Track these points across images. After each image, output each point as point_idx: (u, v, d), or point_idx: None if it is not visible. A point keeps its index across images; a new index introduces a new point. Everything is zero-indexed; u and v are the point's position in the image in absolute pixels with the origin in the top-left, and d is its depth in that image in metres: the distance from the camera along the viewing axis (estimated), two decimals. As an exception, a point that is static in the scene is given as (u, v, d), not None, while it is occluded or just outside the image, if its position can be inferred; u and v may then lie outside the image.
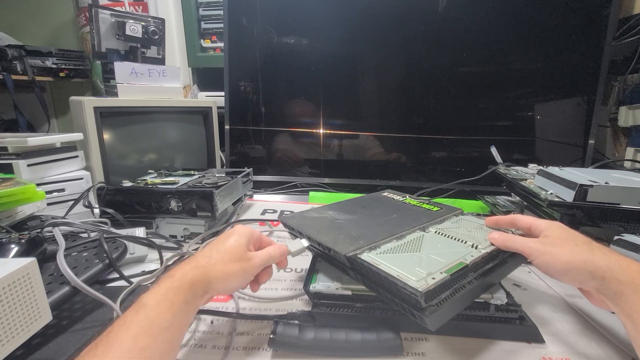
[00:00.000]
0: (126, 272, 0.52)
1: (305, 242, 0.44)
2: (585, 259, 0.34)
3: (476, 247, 0.40)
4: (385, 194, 0.63)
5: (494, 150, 0.84)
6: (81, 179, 0.77)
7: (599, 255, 0.34)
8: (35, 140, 0.70)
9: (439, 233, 0.45)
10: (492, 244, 0.41)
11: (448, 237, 0.44)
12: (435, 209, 0.54)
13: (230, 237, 0.38)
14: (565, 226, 0.39)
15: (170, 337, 0.29)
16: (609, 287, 0.32)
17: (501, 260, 0.41)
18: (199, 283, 0.32)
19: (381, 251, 0.39)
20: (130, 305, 0.30)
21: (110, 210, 0.65)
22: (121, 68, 0.88)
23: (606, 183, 0.52)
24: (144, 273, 0.54)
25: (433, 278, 0.33)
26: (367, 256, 0.38)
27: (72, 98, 0.88)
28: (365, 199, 0.61)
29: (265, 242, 0.42)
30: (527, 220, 0.41)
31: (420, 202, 0.57)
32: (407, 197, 0.61)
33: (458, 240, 0.43)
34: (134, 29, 0.92)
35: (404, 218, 0.49)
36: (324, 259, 0.48)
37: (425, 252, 0.39)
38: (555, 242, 0.36)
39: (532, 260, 0.37)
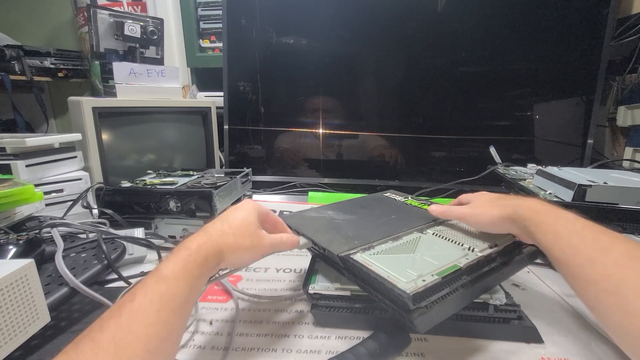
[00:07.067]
0: (125, 273, 0.52)
1: (303, 241, 0.44)
2: (502, 212, 0.41)
3: (472, 250, 0.40)
4: (387, 194, 0.63)
5: (493, 150, 0.84)
6: (80, 179, 0.77)
7: (511, 207, 0.41)
8: (33, 140, 0.70)
9: (436, 235, 0.45)
10: (484, 242, 0.42)
11: (445, 239, 0.43)
12: None
13: (239, 212, 0.38)
14: (489, 193, 0.48)
15: (187, 311, 0.31)
16: (519, 226, 0.40)
17: (500, 264, 0.41)
18: (212, 256, 0.34)
19: (375, 252, 0.39)
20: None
21: (108, 211, 0.65)
22: (120, 68, 0.88)
23: (605, 183, 0.52)
24: (142, 274, 0.54)
25: (423, 280, 0.33)
26: (360, 257, 0.38)
27: (71, 98, 0.88)
28: (366, 199, 0.60)
29: (271, 219, 0.43)
30: (467, 196, 0.50)
31: (422, 203, 0.57)
32: (410, 197, 0.60)
33: (455, 242, 0.42)
34: (132, 29, 0.91)
35: (403, 219, 0.49)
36: (322, 259, 0.48)
37: (419, 254, 0.39)
38: (480, 205, 0.45)
39: (467, 222, 0.45)
